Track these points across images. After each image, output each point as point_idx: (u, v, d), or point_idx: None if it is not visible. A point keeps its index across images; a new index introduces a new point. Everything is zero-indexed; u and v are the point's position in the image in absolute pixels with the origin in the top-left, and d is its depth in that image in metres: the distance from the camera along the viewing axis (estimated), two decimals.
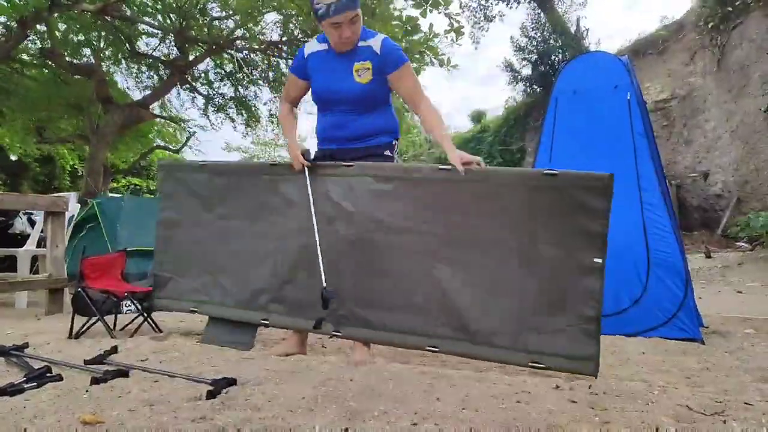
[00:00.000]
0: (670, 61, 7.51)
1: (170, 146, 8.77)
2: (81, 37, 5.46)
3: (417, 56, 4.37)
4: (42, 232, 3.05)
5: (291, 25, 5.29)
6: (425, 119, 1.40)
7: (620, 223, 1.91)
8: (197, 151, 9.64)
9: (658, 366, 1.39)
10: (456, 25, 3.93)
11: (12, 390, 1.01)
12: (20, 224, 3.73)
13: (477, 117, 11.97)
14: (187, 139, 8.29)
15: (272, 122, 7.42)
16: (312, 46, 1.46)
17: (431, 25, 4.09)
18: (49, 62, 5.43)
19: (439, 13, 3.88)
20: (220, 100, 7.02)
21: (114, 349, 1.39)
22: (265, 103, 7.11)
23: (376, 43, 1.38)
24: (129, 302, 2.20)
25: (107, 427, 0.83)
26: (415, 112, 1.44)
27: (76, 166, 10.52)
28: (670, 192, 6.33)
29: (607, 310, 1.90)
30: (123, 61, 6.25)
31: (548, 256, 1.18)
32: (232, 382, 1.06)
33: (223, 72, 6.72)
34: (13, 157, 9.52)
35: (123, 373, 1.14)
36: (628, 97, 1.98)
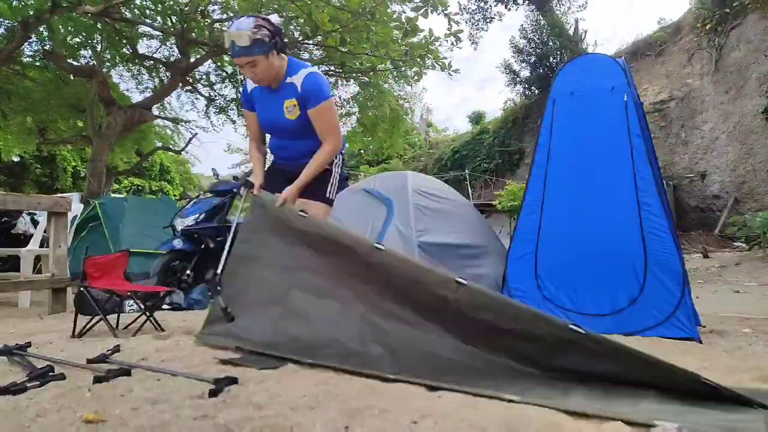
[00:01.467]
0: (667, 63, 7.54)
1: (171, 147, 8.78)
2: (79, 39, 5.47)
3: (419, 60, 4.39)
4: (45, 232, 3.05)
5: (291, 26, 5.31)
6: (313, 157, 1.50)
7: (617, 223, 1.94)
8: (197, 152, 9.61)
9: None
10: (455, 27, 3.96)
11: (15, 389, 1.02)
12: (23, 224, 3.73)
13: (476, 119, 12.01)
14: (189, 140, 8.30)
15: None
16: (249, 82, 1.59)
17: (431, 30, 4.11)
18: (50, 64, 5.44)
19: (439, 14, 3.91)
20: (221, 102, 7.04)
21: (116, 348, 1.40)
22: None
23: (298, 80, 1.48)
24: (131, 301, 2.21)
25: (110, 425, 0.84)
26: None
27: (78, 168, 10.52)
28: (668, 192, 6.37)
29: (605, 309, 1.91)
30: (123, 63, 6.27)
31: None
32: (234, 380, 1.07)
33: (224, 73, 6.74)
34: (15, 158, 9.53)
35: (125, 371, 1.15)
36: (625, 99, 2.00)
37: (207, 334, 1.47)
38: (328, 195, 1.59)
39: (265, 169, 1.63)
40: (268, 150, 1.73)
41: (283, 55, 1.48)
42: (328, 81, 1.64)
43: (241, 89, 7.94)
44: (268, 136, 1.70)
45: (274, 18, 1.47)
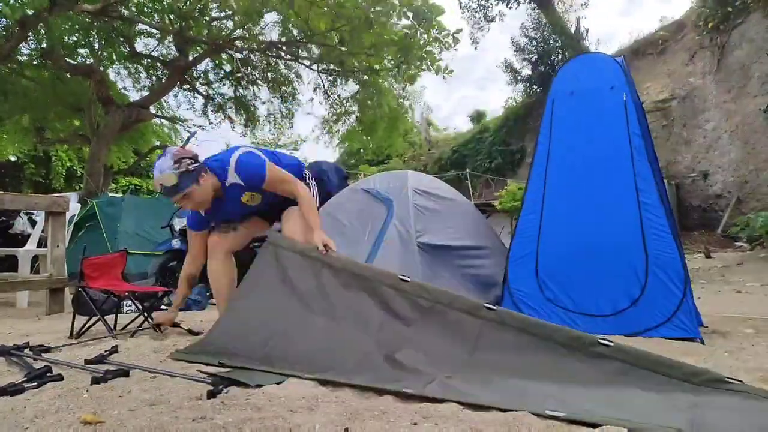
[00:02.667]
0: (669, 62, 7.51)
1: (168, 146, 8.76)
2: (77, 38, 5.45)
3: (417, 63, 4.39)
4: (43, 232, 3.04)
5: (290, 25, 5.30)
6: (300, 208, 1.51)
7: (618, 223, 1.92)
8: (197, 149, 9.57)
9: None
10: (452, 33, 3.95)
11: (13, 390, 1.01)
12: (21, 224, 3.72)
13: (477, 117, 11.97)
14: (188, 139, 8.28)
15: (269, 122, 7.44)
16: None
17: (429, 32, 4.11)
18: (48, 62, 5.42)
19: (430, 35, 3.90)
20: (219, 100, 7.03)
21: (114, 349, 1.39)
22: (263, 103, 7.12)
23: (233, 176, 1.47)
24: (129, 302, 2.20)
25: (108, 426, 0.83)
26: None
27: (74, 167, 10.50)
28: (670, 192, 6.35)
29: (606, 310, 1.90)
30: (120, 62, 6.25)
31: None
32: (232, 381, 1.06)
33: (222, 72, 6.73)
34: (13, 158, 9.51)
35: (123, 372, 1.14)
36: (624, 98, 1.98)
37: (185, 353, 1.37)
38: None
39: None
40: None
41: (207, 169, 1.46)
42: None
43: (239, 88, 7.86)
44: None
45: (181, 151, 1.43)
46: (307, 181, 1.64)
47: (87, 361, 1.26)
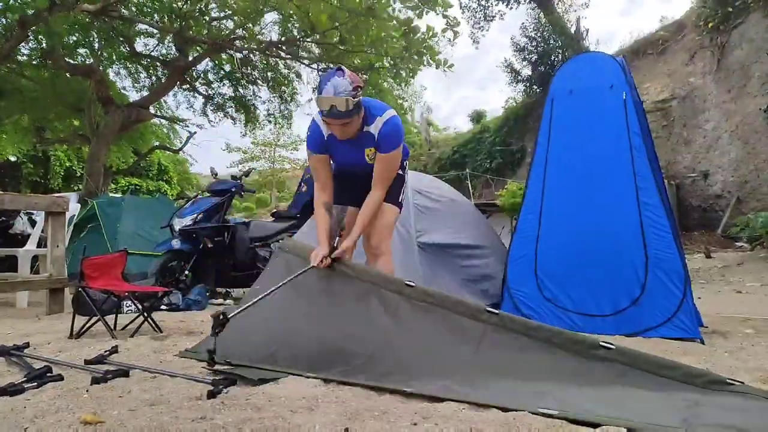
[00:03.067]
0: (670, 61, 7.51)
1: (168, 146, 8.77)
2: (76, 38, 5.45)
3: (415, 57, 4.38)
4: (42, 232, 3.04)
5: (289, 24, 5.29)
6: (364, 204, 1.50)
7: (618, 223, 1.92)
8: (197, 150, 9.59)
9: None
10: (453, 22, 3.94)
11: (13, 390, 1.01)
12: (21, 224, 3.72)
13: (477, 117, 11.97)
14: (187, 139, 8.29)
15: (269, 122, 7.44)
16: (325, 127, 1.50)
17: (429, 27, 4.11)
18: (48, 62, 5.43)
19: (437, 14, 3.89)
20: (219, 100, 7.03)
21: (114, 349, 1.39)
22: (263, 102, 7.12)
23: (375, 129, 1.47)
24: (129, 302, 2.20)
25: (108, 426, 0.83)
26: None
27: (73, 167, 10.50)
28: (670, 192, 6.35)
29: (606, 310, 1.90)
30: (120, 62, 6.25)
31: None
32: (232, 381, 1.06)
33: (222, 72, 6.72)
34: (13, 158, 9.51)
35: (123, 372, 1.14)
36: (624, 97, 1.98)
37: (192, 351, 1.39)
38: (400, 199, 1.60)
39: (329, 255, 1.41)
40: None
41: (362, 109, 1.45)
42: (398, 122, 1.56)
43: (239, 88, 7.83)
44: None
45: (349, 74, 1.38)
46: (405, 171, 1.62)
47: (87, 362, 1.27)
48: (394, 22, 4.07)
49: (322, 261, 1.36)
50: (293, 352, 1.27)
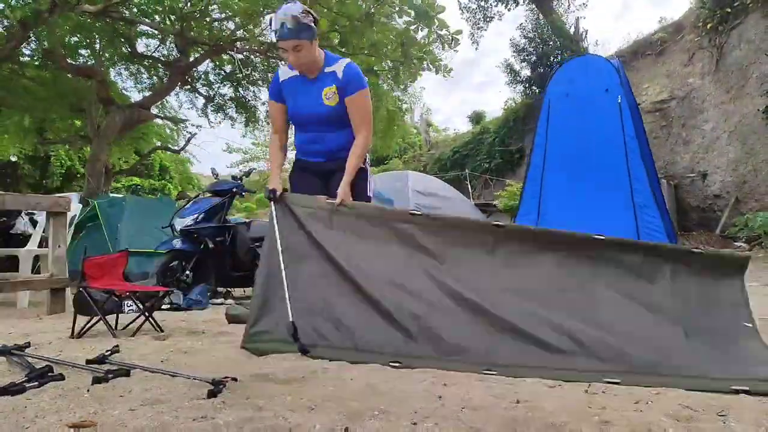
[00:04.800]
0: (668, 62, 7.53)
1: (170, 146, 8.78)
2: (78, 38, 5.46)
3: (415, 62, 4.39)
4: (44, 232, 3.05)
5: None
6: (353, 146, 1.54)
7: (612, 224, 1.93)
8: (199, 150, 9.58)
9: None
10: (452, 34, 3.95)
11: (14, 389, 1.02)
12: (22, 224, 3.73)
13: (476, 118, 11.99)
14: (188, 140, 8.30)
15: (268, 122, 7.45)
16: (285, 72, 1.59)
17: (429, 31, 4.11)
18: (50, 63, 5.43)
19: (431, 32, 3.91)
20: (220, 101, 7.04)
21: (116, 349, 1.40)
22: (263, 104, 7.13)
23: (339, 68, 1.52)
24: (130, 302, 2.20)
25: (109, 426, 0.83)
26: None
27: (74, 167, 10.51)
28: (669, 192, 6.36)
29: None
30: (122, 63, 6.26)
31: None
32: (233, 381, 1.07)
33: (223, 73, 6.73)
34: (13, 158, 9.51)
35: (124, 372, 1.15)
36: (619, 100, 2.00)
37: (254, 342, 1.40)
38: (369, 194, 1.61)
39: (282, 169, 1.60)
40: (287, 148, 1.71)
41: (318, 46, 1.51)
42: None
43: (240, 89, 7.87)
44: (290, 132, 1.68)
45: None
46: (367, 164, 1.63)
47: (89, 361, 1.27)
48: (393, 33, 4.09)
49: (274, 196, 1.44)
50: (363, 332, 1.34)
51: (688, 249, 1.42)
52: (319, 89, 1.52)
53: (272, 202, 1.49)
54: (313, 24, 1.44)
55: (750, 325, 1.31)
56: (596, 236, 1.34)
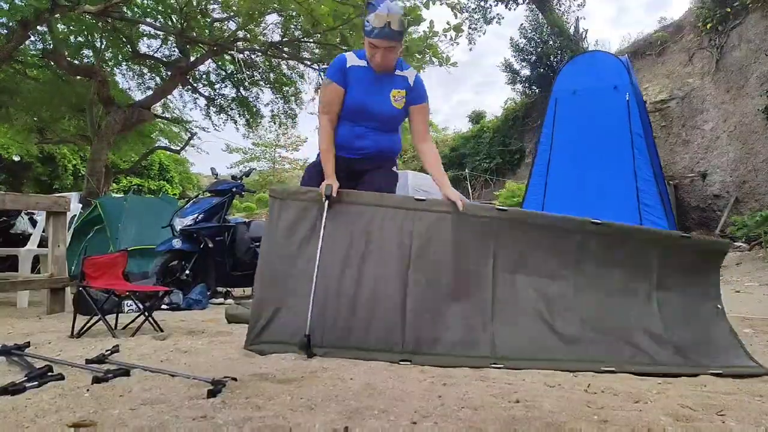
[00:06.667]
0: (668, 62, 7.53)
1: (171, 146, 8.78)
2: (81, 39, 5.47)
3: (417, 55, 4.38)
4: (44, 231, 3.05)
5: (292, 26, 5.30)
6: (427, 156, 1.58)
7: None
8: (200, 150, 9.61)
9: None
10: (457, 18, 3.91)
11: (14, 389, 1.01)
12: (22, 224, 3.73)
13: (476, 118, 11.99)
14: (189, 139, 8.29)
15: (274, 122, 7.44)
16: (353, 59, 1.53)
17: (432, 23, 4.09)
18: (51, 63, 5.44)
19: (441, 4, 3.86)
20: (221, 101, 7.04)
21: (115, 349, 1.40)
22: (266, 104, 7.13)
23: (410, 75, 1.55)
24: (130, 301, 2.20)
25: (109, 426, 0.83)
26: (417, 145, 1.60)
27: (78, 166, 10.51)
28: (669, 192, 6.35)
29: None
30: (124, 63, 6.26)
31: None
32: (233, 381, 1.07)
33: (224, 73, 6.73)
34: (16, 158, 9.53)
35: (124, 372, 1.15)
36: (627, 98, 1.99)
37: (260, 343, 1.38)
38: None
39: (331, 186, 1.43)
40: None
41: None
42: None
43: (241, 89, 7.83)
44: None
45: None
46: (396, 168, 1.68)
47: (88, 361, 1.27)
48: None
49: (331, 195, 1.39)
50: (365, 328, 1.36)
51: (679, 234, 1.50)
52: (387, 88, 1.51)
53: (327, 202, 1.39)
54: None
55: (720, 306, 1.44)
56: (592, 221, 1.41)
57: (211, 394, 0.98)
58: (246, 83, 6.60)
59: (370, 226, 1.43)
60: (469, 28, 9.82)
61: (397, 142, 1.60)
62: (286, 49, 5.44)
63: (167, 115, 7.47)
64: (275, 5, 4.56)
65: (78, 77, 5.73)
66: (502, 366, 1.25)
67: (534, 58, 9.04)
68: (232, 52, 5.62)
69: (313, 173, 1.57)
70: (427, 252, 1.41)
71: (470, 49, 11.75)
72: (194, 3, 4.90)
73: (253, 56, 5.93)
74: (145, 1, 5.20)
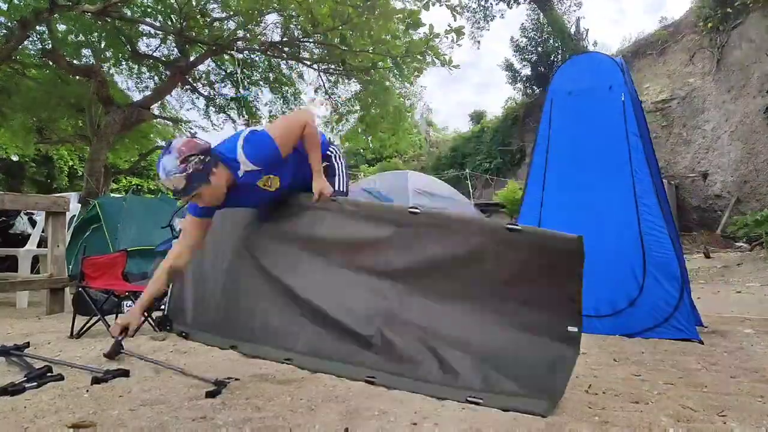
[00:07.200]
0: (669, 62, 7.52)
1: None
2: (81, 38, 5.47)
3: (419, 57, 4.38)
4: (43, 232, 3.05)
5: (291, 25, 5.30)
6: (305, 143, 1.40)
7: (615, 224, 1.92)
8: None
9: (658, 366, 1.39)
10: (457, 17, 3.91)
11: (13, 389, 1.01)
12: (21, 224, 3.73)
13: (477, 118, 11.99)
14: None
15: (271, 122, 7.43)
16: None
17: (431, 26, 4.09)
18: (50, 62, 5.43)
19: (441, 5, 3.86)
20: (220, 101, 7.03)
21: (119, 348, 1.39)
22: (265, 104, 7.12)
23: (245, 163, 1.31)
24: (130, 302, 2.20)
25: (108, 426, 0.83)
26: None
27: (75, 167, 10.52)
28: (670, 192, 6.34)
29: (604, 311, 1.90)
30: (123, 62, 6.26)
31: (519, 314, 1.07)
32: (235, 381, 1.06)
33: (223, 73, 6.73)
34: (14, 158, 9.52)
35: (124, 372, 1.14)
36: (623, 98, 1.98)
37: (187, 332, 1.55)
38: (339, 188, 1.49)
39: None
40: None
41: (219, 163, 1.29)
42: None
43: (240, 89, 7.76)
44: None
45: (185, 143, 1.26)
46: (335, 160, 1.53)
47: (106, 354, 1.29)
48: (399, 15, 4.03)
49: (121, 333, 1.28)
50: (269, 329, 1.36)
51: (506, 225, 1.10)
52: (252, 187, 1.35)
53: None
54: (201, 163, 1.22)
55: (575, 329, 1.00)
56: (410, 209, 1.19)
57: (210, 394, 0.98)
58: (245, 83, 6.59)
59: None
60: (472, 27, 9.82)
61: (306, 169, 1.41)
62: (285, 49, 5.43)
63: (164, 115, 7.46)
64: (275, 5, 4.55)
65: (77, 77, 5.73)
66: (292, 363, 1.20)
67: (534, 57, 9.03)
68: (231, 51, 5.62)
69: None
70: (259, 243, 1.44)
71: (477, 48, 11.70)
72: (194, 2, 4.90)
73: (252, 56, 5.92)
74: (145, 1, 5.20)
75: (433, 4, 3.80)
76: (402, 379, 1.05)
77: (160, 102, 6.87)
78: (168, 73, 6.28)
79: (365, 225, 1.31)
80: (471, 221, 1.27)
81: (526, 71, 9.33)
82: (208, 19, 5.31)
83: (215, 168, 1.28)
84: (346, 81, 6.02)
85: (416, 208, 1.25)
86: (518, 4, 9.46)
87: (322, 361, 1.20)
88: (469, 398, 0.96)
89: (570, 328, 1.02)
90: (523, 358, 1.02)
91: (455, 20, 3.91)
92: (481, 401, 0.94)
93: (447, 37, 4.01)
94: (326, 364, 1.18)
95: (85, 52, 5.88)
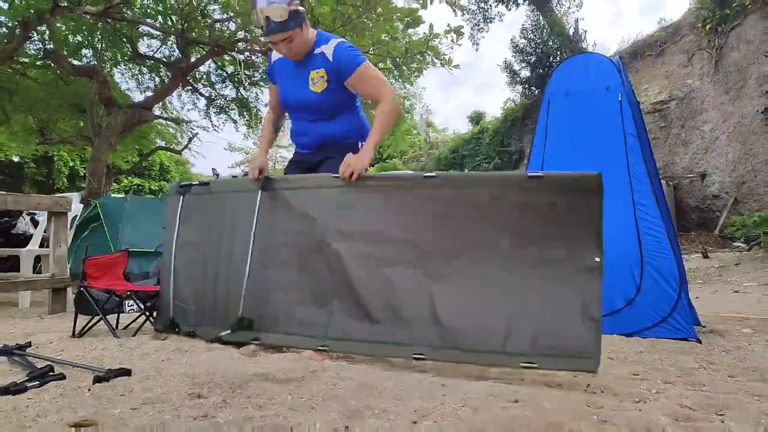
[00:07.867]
0: (668, 63, 7.54)
1: (171, 147, 8.79)
2: (81, 39, 5.48)
3: (419, 57, 4.39)
4: (45, 232, 3.05)
5: None
6: (378, 107, 1.38)
7: (613, 224, 1.92)
8: (196, 153, 9.60)
9: (656, 365, 1.40)
10: (457, 12, 3.91)
11: (15, 389, 1.02)
12: (23, 224, 3.73)
13: (476, 118, 12.00)
14: (189, 140, 8.29)
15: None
16: (277, 52, 1.47)
17: (431, 26, 4.10)
18: (51, 63, 5.44)
19: (440, 2, 3.86)
20: (221, 102, 7.04)
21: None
22: (266, 105, 7.12)
23: (328, 49, 1.36)
24: (131, 301, 2.21)
25: (110, 425, 0.84)
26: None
27: (75, 167, 10.53)
28: (668, 192, 6.36)
29: (602, 310, 1.90)
30: (124, 63, 6.27)
31: (545, 258, 1.15)
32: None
33: (224, 73, 6.74)
34: (16, 158, 9.53)
35: (125, 371, 1.15)
36: (620, 98, 1.99)
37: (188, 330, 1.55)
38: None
39: (258, 168, 1.45)
40: (283, 126, 1.64)
41: (307, 25, 1.36)
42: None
43: (241, 90, 7.84)
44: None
45: None
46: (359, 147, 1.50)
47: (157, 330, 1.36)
48: (399, 14, 4.04)
49: (258, 174, 1.39)
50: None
51: (527, 174, 1.20)
52: (305, 72, 1.37)
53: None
54: (299, 6, 1.29)
55: (599, 259, 1.10)
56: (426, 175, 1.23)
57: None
58: (246, 84, 6.60)
59: (226, 212, 1.47)
60: (471, 28, 9.84)
61: (343, 127, 1.42)
62: None
63: (165, 116, 7.47)
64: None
65: (78, 78, 5.74)
66: (328, 348, 1.21)
67: (534, 58, 9.05)
68: (232, 52, 5.63)
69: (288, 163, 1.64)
70: (270, 227, 1.39)
71: (476, 50, 11.75)
72: (194, 4, 4.91)
73: (253, 57, 5.93)
74: (146, 2, 5.22)
75: (431, 2, 3.81)
76: (451, 352, 1.10)
77: (161, 103, 6.88)
78: (169, 74, 6.30)
79: (387, 199, 1.29)
80: (491, 174, 1.41)
81: (526, 72, 9.35)
82: (209, 21, 5.32)
83: (304, 24, 1.33)
84: None
85: (432, 173, 1.28)
86: (517, 5, 9.49)
87: (359, 344, 1.19)
88: (522, 364, 1.02)
89: (596, 259, 1.12)
90: (558, 309, 1.09)
91: (455, 15, 3.92)
92: (535, 365, 1.01)
93: (447, 37, 4.03)
94: (365, 346, 1.19)
95: (86, 52, 5.89)
